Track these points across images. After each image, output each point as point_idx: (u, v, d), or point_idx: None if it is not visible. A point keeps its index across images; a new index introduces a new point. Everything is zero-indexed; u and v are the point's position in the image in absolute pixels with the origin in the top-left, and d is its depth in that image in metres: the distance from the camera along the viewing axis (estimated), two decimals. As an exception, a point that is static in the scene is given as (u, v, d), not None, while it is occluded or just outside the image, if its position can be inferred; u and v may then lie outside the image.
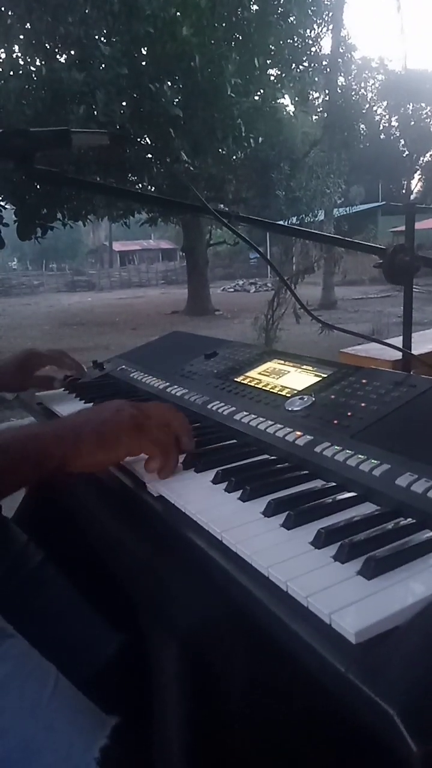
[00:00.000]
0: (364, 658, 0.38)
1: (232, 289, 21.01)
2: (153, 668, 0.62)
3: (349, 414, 0.72)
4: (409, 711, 0.34)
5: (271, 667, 0.50)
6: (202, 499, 0.61)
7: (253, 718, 0.53)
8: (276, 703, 0.51)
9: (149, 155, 7.98)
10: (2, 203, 7.36)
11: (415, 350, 1.13)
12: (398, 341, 1.21)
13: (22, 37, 7.40)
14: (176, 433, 0.71)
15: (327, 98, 14.86)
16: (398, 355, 1.33)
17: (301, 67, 11.83)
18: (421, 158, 31.27)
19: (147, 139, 7.77)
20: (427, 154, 31.18)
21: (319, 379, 0.86)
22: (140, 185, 8.49)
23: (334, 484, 0.61)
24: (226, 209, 1.00)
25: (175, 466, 0.69)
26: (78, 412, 0.79)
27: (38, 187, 7.41)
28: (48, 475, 0.67)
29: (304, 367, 0.92)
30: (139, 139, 7.37)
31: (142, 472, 0.70)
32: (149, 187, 8.46)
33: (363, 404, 0.74)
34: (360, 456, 0.62)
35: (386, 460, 0.60)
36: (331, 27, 13.78)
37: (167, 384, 1.05)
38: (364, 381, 0.80)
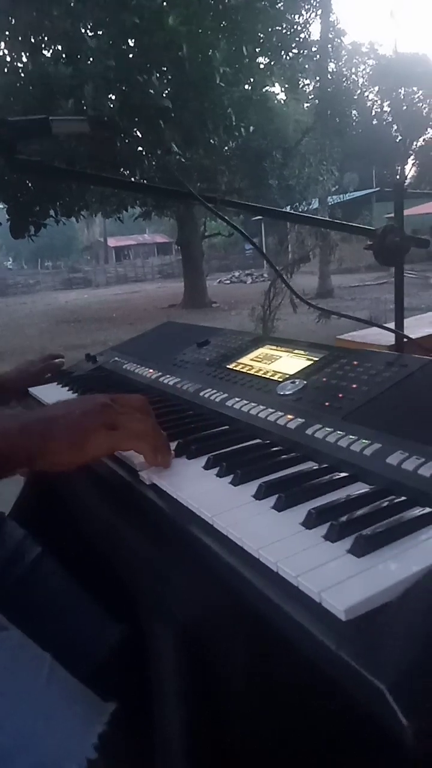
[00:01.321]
0: (354, 635, 0.38)
1: (228, 281, 20.96)
2: (152, 657, 0.62)
3: (340, 396, 0.72)
4: (400, 686, 0.34)
5: (268, 650, 0.50)
6: (193, 485, 0.61)
7: (250, 702, 0.53)
8: (273, 686, 0.51)
9: (140, 148, 7.94)
10: (-6, 202, 7.34)
11: (411, 334, 1.12)
12: (393, 325, 1.21)
13: (7, 32, 7.33)
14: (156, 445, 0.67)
15: (318, 85, 14.71)
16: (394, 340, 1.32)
17: (290, 54, 11.75)
18: (415, 143, 31.12)
19: (137, 131, 7.72)
20: (421, 139, 31.03)
21: (310, 362, 0.85)
22: (133, 179, 8.44)
23: (325, 465, 0.61)
24: (214, 196, 0.99)
25: (169, 451, 0.67)
26: (51, 405, 0.76)
27: (30, 184, 7.38)
28: (14, 470, 0.64)
29: (296, 351, 0.92)
30: (129, 133, 7.32)
31: (135, 462, 0.70)
32: (142, 180, 8.42)
33: (354, 386, 0.73)
34: (351, 437, 0.62)
35: (377, 439, 0.60)
36: (319, 12, 13.64)
37: (160, 374, 1.04)
38: (355, 363, 0.79)
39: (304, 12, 12.39)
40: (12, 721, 0.55)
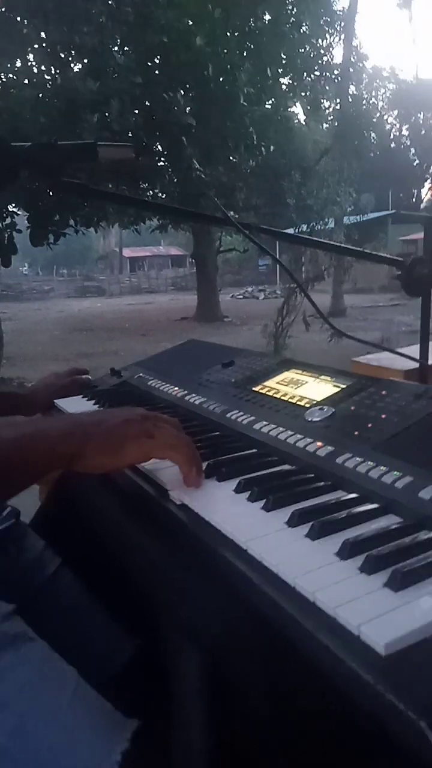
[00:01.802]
0: (393, 670, 0.38)
1: (241, 296, 21.05)
2: (172, 674, 0.63)
3: (369, 425, 0.73)
4: (440, 724, 0.34)
5: (295, 675, 0.50)
6: (224, 509, 0.62)
7: (275, 725, 0.54)
8: (299, 712, 0.51)
9: (161, 163, 8.05)
10: (15, 209, 7.44)
11: (431, 361, 1.13)
12: (408, 350, 1.22)
13: (36, 46, 7.50)
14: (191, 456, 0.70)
15: (338, 107, 14.91)
16: (411, 364, 1.33)
17: (312, 76, 11.91)
18: (431, 167, 31.25)
19: (159, 147, 7.83)
20: (438, 163, 31.14)
21: (337, 389, 0.86)
22: (151, 192, 8.55)
23: (356, 495, 0.62)
24: (246, 222, 1.01)
25: (200, 464, 0.69)
26: (94, 411, 0.79)
27: (51, 194, 7.49)
28: (56, 470, 0.67)
29: (322, 377, 0.93)
30: (153, 148, 7.43)
31: (164, 480, 0.71)
32: (161, 194, 8.52)
33: (383, 416, 0.74)
34: (382, 467, 0.63)
35: (409, 472, 0.61)
36: (342, 36, 13.87)
37: (185, 392, 1.06)
38: (383, 392, 0.80)
39: (327, 35, 12.60)
40: (37, 735, 0.56)
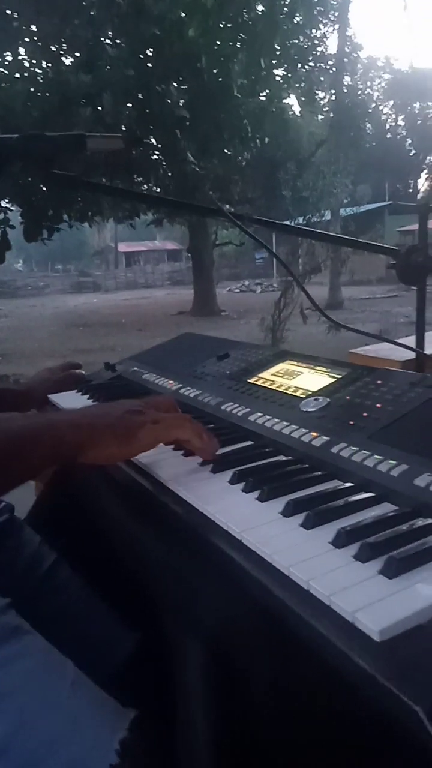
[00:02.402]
0: (388, 656, 0.38)
1: (238, 290, 21.01)
2: (174, 665, 0.63)
3: (365, 415, 0.73)
4: (436, 709, 0.34)
5: (293, 664, 0.50)
6: (220, 500, 0.62)
7: (274, 713, 0.54)
8: (298, 700, 0.51)
9: (156, 156, 8.01)
10: (9, 205, 7.40)
11: (428, 350, 1.13)
12: (407, 341, 1.22)
13: (28, 39, 7.43)
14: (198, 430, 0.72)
15: (333, 98, 14.84)
16: (408, 355, 1.33)
17: (307, 66, 11.85)
18: (428, 157, 31.16)
19: (153, 140, 7.79)
20: (434, 153, 31.05)
21: (333, 380, 0.86)
22: (146, 186, 8.51)
23: (351, 484, 0.61)
24: (239, 213, 1.00)
25: (211, 439, 0.71)
26: (94, 405, 0.80)
27: (44, 189, 7.45)
28: (61, 461, 0.67)
29: (318, 368, 0.93)
30: (145, 140, 7.39)
31: (159, 472, 0.71)
32: (155, 188, 8.48)
33: (378, 405, 0.74)
34: (377, 456, 0.63)
35: (404, 460, 0.60)
36: (337, 26, 13.79)
37: (180, 385, 1.05)
38: (379, 382, 0.80)
39: (321, 26, 12.53)
40: (39, 726, 0.56)
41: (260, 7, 8.92)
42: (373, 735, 0.41)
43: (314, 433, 0.72)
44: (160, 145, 7.76)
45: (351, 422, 0.72)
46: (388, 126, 30.50)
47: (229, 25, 8.08)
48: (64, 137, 0.77)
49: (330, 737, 0.48)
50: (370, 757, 0.43)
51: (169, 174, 7.80)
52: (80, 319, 13.95)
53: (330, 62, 13.78)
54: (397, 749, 0.38)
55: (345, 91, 14.81)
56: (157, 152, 8.04)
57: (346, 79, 15.26)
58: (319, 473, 0.65)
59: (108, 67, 6.72)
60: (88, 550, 0.94)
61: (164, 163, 8.00)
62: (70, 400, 1.12)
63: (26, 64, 7.58)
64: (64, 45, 7.47)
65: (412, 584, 0.43)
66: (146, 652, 0.78)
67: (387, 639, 0.39)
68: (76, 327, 12.49)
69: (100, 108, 6.49)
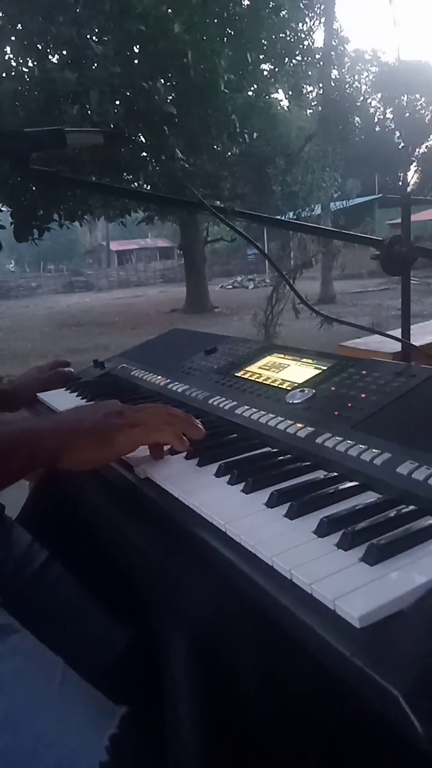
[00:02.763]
0: (369, 642, 0.38)
1: (230, 286, 20.99)
2: (162, 660, 0.63)
3: (349, 405, 0.73)
4: (415, 693, 0.35)
5: (280, 655, 0.51)
6: (205, 492, 0.62)
7: (262, 706, 0.54)
8: (285, 691, 0.52)
9: (144, 154, 7.97)
10: (-2, 206, 7.36)
11: (415, 342, 1.13)
12: (397, 333, 1.22)
13: (13, 38, 7.37)
14: (179, 432, 0.71)
15: (321, 92, 14.81)
16: (398, 347, 1.33)
17: (294, 61, 11.81)
18: (417, 150, 31.20)
19: (141, 137, 7.75)
20: (423, 146, 31.10)
21: (319, 371, 0.86)
22: (136, 184, 8.47)
23: (336, 474, 0.62)
24: (223, 206, 1.00)
25: (195, 425, 0.71)
26: (74, 408, 0.80)
27: (34, 188, 7.40)
28: (39, 468, 0.67)
29: (304, 360, 0.93)
30: (133, 138, 7.35)
31: (144, 468, 0.71)
32: (145, 185, 8.44)
33: (363, 395, 0.74)
34: (361, 446, 0.63)
35: (387, 449, 0.61)
36: (323, 20, 13.75)
37: (168, 381, 1.05)
38: (364, 372, 0.80)
39: (307, 20, 12.48)
40: (27, 724, 0.56)
41: (246, 2, 8.89)
42: (356, 721, 0.41)
43: (299, 425, 0.72)
44: (148, 143, 7.72)
45: (336, 413, 0.72)
46: (376, 119, 30.49)
47: (215, 21, 8.05)
48: (43, 133, 0.76)
49: (315, 725, 0.48)
50: (354, 742, 0.43)
51: (158, 170, 7.76)
52: (73, 319, 13.90)
53: (317, 56, 13.74)
54: (379, 734, 0.39)
55: (333, 84, 14.76)
56: (145, 150, 8.00)
57: (334, 73, 15.19)
58: (304, 464, 0.65)
59: (94, 64, 6.67)
60: (79, 548, 0.94)
61: (153, 160, 7.96)
62: (59, 398, 1.11)
63: (12, 63, 7.52)
64: (50, 43, 7.41)
65: (393, 570, 0.43)
66: (138, 649, 0.78)
67: (367, 625, 0.39)
68: (68, 327, 12.45)
69: (87, 106, 6.45)
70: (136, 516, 0.74)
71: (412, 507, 0.52)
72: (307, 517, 0.53)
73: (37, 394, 1.15)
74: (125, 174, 8.09)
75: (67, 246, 38.42)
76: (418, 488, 0.54)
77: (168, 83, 7.06)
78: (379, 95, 30.41)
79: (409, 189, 29.48)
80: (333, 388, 0.79)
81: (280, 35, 10.45)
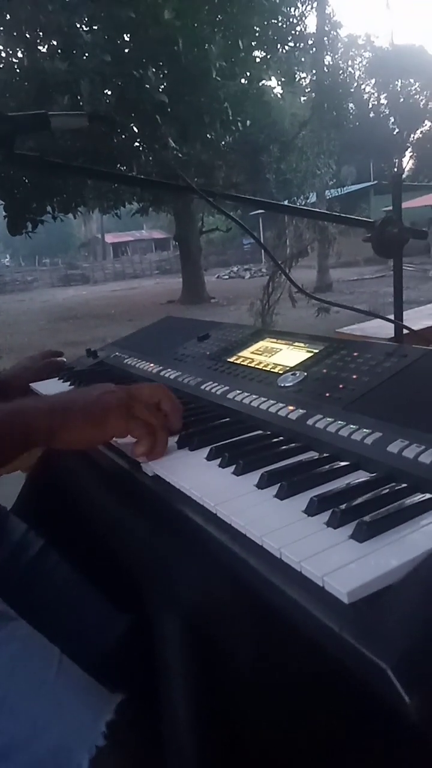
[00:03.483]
0: (357, 617, 0.38)
1: (227, 276, 20.93)
2: (158, 645, 0.63)
3: (341, 386, 0.73)
4: (402, 665, 0.35)
5: (273, 635, 0.51)
6: (196, 476, 0.62)
7: (256, 686, 0.54)
8: (278, 670, 0.52)
9: (137, 143, 7.91)
10: (-9, 199, 7.32)
11: (411, 327, 1.12)
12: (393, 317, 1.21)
13: (2, 27, 7.29)
14: (165, 413, 0.71)
15: (314, 78, 14.68)
16: (393, 333, 1.33)
17: (286, 47, 11.69)
18: (412, 135, 30.99)
19: (134, 127, 7.69)
20: (418, 131, 30.91)
21: (310, 354, 0.86)
22: (130, 174, 8.41)
23: (327, 454, 0.61)
24: (213, 190, 0.99)
25: (164, 449, 0.69)
26: (68, 391, 0.79)
27: (26, 180, 7.36)
28: (34, 447, 0.67)
29: (296, 344, 0.92)
30: (125, 128, 7.30)
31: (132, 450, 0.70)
32: (138, 175, 8.38)
33: (354, 376, 0.74)
34: (352, 426, 0.63)
35: (378, 428, 0.60)
36: (315, 5, 13.59)
37: (161, 368, 1.05)
38: (355, 354, 0.80)
39: (299, 4, 12.32)
40: (24, 710, 0.56)
41: (237, -13, 8.78)
42: (346, 695, 0.41)
43: (291, 407, 0.72)
44: (140, 132, 7.66)
45: (327, 394, 0.72)
46: (370, 105, 30.26)
47: (205, 7, 7.96)
48: (26, 116, 0.75)
49: (309, 704, 0.48)
50: (346, 715, 0.43)
51: (151, 160, 7.71)
52: (69, 312, 13.86)
53: (310, 42, 13.58)
54: (367, 706, 0.39)
55: (326, 70, 14.62)
56: (138, 139, 7.94)
57: (327, 59, 15.04)
58: (295, 445, 0.64)
59: (84, 53, 6.61)
60: (74, 536, 0.94)
61: (146, 150, 7.91)
62: (52, 387, 1.11)
63: (2, 54, 7.45)
64: (39, 33, 7.33)
65: (382, 546, 0.43)
66: (134, 634, 0.79)
67: (356, 600, 0.39)
68: (65, 320, 12.42)
69: (78, 96, 6.39)
70: (130, 502, 0.74)
71: (402, 484, 0.52)
72: (297, 497, 0.53)
73: (30, 384, 1.14)
74: (118, 164, 8.04)
75: (62, 239, 38.23)
76: (408, 466, 0.53)
77: (159, 71, 7.00)
78: (373, 80, 30.15)
79: (404, 175, 29.31)
80: (325, 371, 0.79)
81: (272, 21, 10.35)
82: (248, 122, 9.02)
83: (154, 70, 6.78)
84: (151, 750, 0.60)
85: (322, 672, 0.45)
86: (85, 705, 0.60)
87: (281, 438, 0.67)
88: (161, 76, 7.02)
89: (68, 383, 1.11)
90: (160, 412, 0.71)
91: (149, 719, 0.61)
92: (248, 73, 9.49)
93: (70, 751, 0.56)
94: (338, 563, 0.42)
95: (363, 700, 0.41)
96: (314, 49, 13.79)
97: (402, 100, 29.39)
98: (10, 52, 7.51)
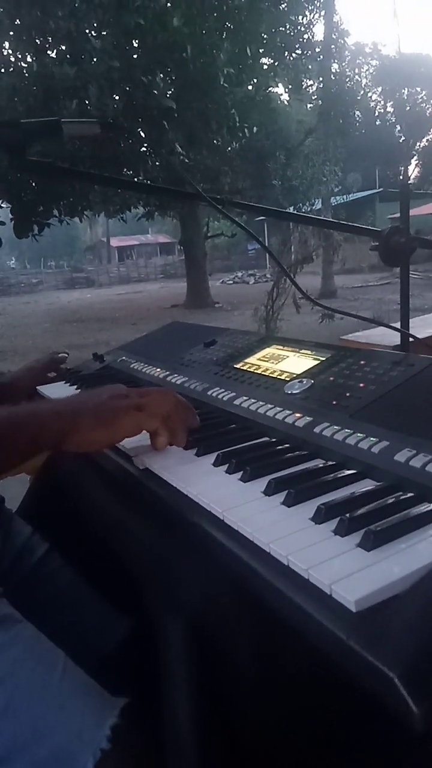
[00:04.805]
0: (364, 625, 0.39)
1: (231, 281, 20.95)
2: (161, 649, 0.63)
3: (347, 395, 0.73)
4: (409, 674, 0.35)
5: (277, 641, 0.51)
6: (203, 481, 0.62)
7: (259, 691, 0.54)
8: (282, 676, 0.52)
9: (143, 148, 7.95)
10: (-2, 202, 7.36)
11: (417, 334, 1.12)
12: (397, 326, 1.21)
13: (11, 33, 7.34)
14: (180, 419, 0.71)
15: (321, 85, 14.74)
16: (398, 341, 1.33)
17: (294, 54, 11.77)
18: (418, 143, 31.05)
19: (141, 132, 7.73)
20: (424, 139, 30.96)
21: (317, 362, 0.86)
22: (136, 179, 8.44)
23: (333, 462, 0.62)
24: (220, 197, 1.00)
25: (184, 437, 0.70)
26: (77, 393, 0.80)
27: (33, 184, 7.40)
28: (45, 450, 0.67)
29: (303, 351, 0.93)
30: (132, 133, 7.33)
31: (144, 458, 0.71)
32: (145, 180, 8.42)
33: (361, 384, 0.74)
34: (359, 434, 0.63)
35: (385, 437, 0.61)
36: (323, 13, 13.67)
37: (167, 373, 1.05)
38: (362, 362, 0.80)
39: (307, 13, 12.41)
40: (27, 713, 0.56)
41: (245, -6, 8.83)
42: (352, 703, 0.41)
43: (298, 414, 0.72)
44: (147, 137, 7.70)
45: (334, 402, 0.72)
46: (377, 113, 30.34)
47: (213, 14, 8.00)
48: (39, 123, 0.76)
49: (312, 709, 0.48)
50: (352, 725, 0.43)
51: (158, 165, 7.74)
52: (74, 315, 13.90)
53: (317, 49, 13.66)
54: (373, 714, 0.39)
55: (333, 78, 14.68)
56: (145, 144, 7.97)
57: (334, 67, 15.11)
58: (302, 453, 0.65)
59: (93, 59, 6.64)
60: (79, 540, 0.95)
61: (153, 154, 7.94)
62: (59, 391, 1.11)
63: (11, 59, 7.49)
64: (48, 38, 7.38)
65: (389, 555, 0.44)
66: (137, 637, 0.79)
67: (363, 609, 0.40)
68: (69, 323, 12.45)
69: (86, 101, 6.42)
70: (135, 507, 0.75)
71: (409, 494, 0.52)
72: (305, 504, 0.53)
73: (37, 387, 1.15)
74: (125, 169, 8.07)
75: (68, 242, 38.39)
76: (415, 475, 0.54)
77: (167, 77, 7.03)
78: (380, 88, 30.24)
79: (410, 183, 29.33)
80: (331, 378, 0.79)
81: (280, 28, 10.41)
82: (255, 129, 9.05)
83: (161, 75, 6.81)
84: (153, 753, 0.60)
85: (325, 678, 0.45)
86: (89, 708, 0.60)
87: (288, 445, 0.68)
88: (169, 81, 7.04)
89: (75, 387, 1.11)
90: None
91: (151, 722, 0.61)
92: (255, 80, 9.53)
93: (73, 755, 0.56)
94: (346, 571, 0.42)
95: (366, 708, 0.41)
96: (321, 56, 13.86)
97: (408, 108, 29.46)
98: (19, 56, 7.56)
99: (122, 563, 0.79)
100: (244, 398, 0.82)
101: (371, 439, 0.61)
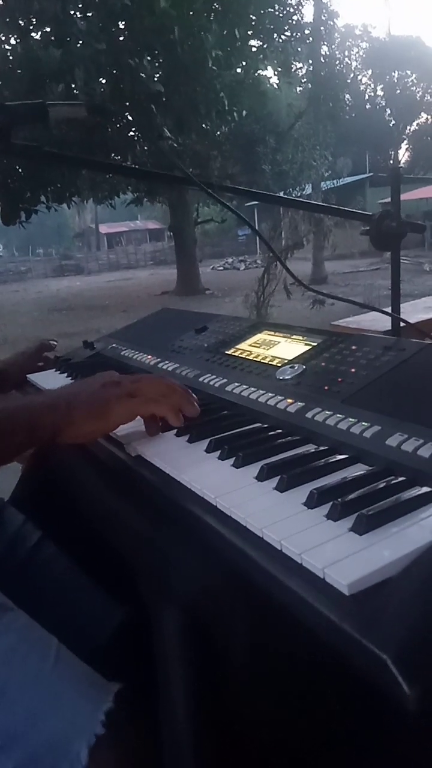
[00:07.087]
0: (357, 608, 0.39)
1: (221, 268, 20.86)
2: (156, 636, 0.63)
3: (339, 380, 0.73)
4: (402, 656, 0.35)
5: (271, 626, 0.51)
6: (195, 468, 0.62)
7: (255, 677, 0.55)
8: (277, 661, 0.52)
9: (132, 133, 7.85)
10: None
11: (408, 319, 1.13)
12: (388, 310, 1.21)
13: (-5, 14, 7.19)
14: (176, 405, 0.71)
15: (311, 68, 14.59)
16: (389, 326, 1.33)
17: (283, 37, 11.60)
18: (408, 127, 30.91)
19: (129, 116, 7.62)
20: (414, 123, 30.82)
21: (309, 347, 0.86)
22: (125, 164, 8.34)
23: (326, 447, 0.62)
24: (210, 182, 0.99)
25: (192, 403, 0.70)
26: (70, 383, 0.79)
27: (20, 170, 7.30)
28: (39, 444, 0.67)
29: (294, 336, 0.93)
30: (120, 117, 7.23)
31: (136, 445, 0.70)
32: (133, 166, 8.32)
33: (353, 369, 0.74)
34: (351, 419, 0.63)
35: (377, 422, 0.61)
36: (312, -6, 13.48)
37: (158, 360, 1.05)
38: (353, 347, 0.80)
39: (296, -7, 12.22)
40: (22, 701, 0.57)
41: (233, -25, 8.68)
42: (346, 686, 0.42)
43: (289, 400, 0.72)
44: (135, 122, 7.59)
45: (326, 387, 0.72)
46: (367, 96, 30.11)
47: (201, -5, 7.87)
48: (24, 106, 0.74)
49: (308, 695, 0.49)
50: (345, 707, 0.44)
51: (146, 150, 7.65)
52: (63, 303, 13.79)
53: (306, 31, 13.47)
54: (367, 697, 0.39)
55: (323, 61, 14.54)
56: (133, 129, 7.87)
57: (324, 49, 14.94)
58: (294, 438, 0.65)
59: (79, 42, 6.53)
60: (72, 527, 0.94)
61: (141, 140, 7.84)
62: (50, 379, 1.11)
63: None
64: (33, 19, 7.23)
65: (382, 539, 0.44)
66: (132, 625, 0.79)
67: (356, 592, 0.40)
68: (59, 311, 12.35)
69: (72, 85, 6.32)
70: (128, 494, 0.74)
71: (401, 478, 0.52)
72: (297, 489, 0.53)
73: (27, 375, 1.14)
74: (113, 154, 7.97)
75: (56, 229, 37.97)
76: (407, 459, 0.54)
77: (154, 61, 6.93)
78: (370, 72, 29.99)
79: (400, 167, 29.20)
80: (323, 364, 0.79)
81: (269, 10, 10.25)
82: (244, 113, 8.97)
83: (149, 59, 6.72)
84: (149, 740, 0.60)
85: (320, 663, 0.45)
86: (83, 695, 0.60)
87: (280, 431, 0.68)
88: (156, 65, 6.94)
89: (66, 375, 1.10)
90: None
91: (147, 709, 0.61)
92: (244, 63, 9.41)
93: (68, 741, 0.56)
94: (338, 555, 0.42)
95: (362, 690, 0.41)
96: (311, 39, 13.70)
97: (398, 91, 29.28)
98: (3, 39, 7.41)
99: (115, 550, 0.79)
100: (236, 384, 0.82)
101: (363, 423, 0.61)
